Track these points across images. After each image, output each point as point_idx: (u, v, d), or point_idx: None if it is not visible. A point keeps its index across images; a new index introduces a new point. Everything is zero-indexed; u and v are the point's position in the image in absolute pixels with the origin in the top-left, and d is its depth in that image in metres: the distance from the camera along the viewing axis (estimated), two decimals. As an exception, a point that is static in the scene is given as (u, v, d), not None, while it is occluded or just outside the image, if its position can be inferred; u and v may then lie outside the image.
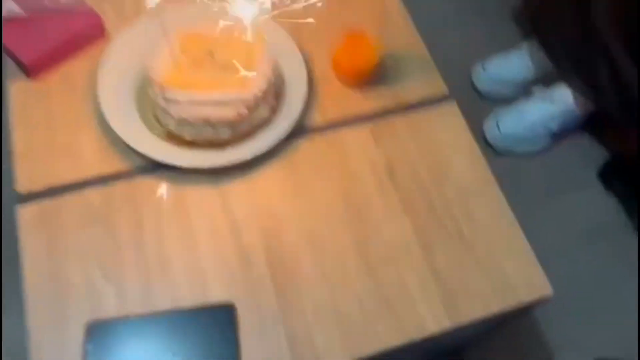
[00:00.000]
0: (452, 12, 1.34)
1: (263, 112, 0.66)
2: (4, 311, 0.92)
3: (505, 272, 0.64)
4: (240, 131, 0.65)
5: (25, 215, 0.63)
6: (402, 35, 0.80)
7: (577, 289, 1.04)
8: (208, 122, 0.63)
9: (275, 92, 0.69)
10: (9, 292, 0.76)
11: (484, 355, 0.96)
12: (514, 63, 1.17)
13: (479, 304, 0.62)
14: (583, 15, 0.94)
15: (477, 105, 1.22)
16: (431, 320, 0.61)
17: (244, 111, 0.63)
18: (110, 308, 0.59)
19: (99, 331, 0.57)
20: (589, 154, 1.17)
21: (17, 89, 0.70)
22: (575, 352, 0.98)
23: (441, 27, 1.28)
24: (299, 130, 0.71)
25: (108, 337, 0.57)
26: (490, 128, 1.14)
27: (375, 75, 0.75)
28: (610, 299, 1.03)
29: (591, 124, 1.16)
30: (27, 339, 0.56)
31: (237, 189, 0.67)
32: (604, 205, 1.12)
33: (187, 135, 0.64)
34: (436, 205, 0.67)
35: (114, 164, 0.67)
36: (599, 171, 1.14)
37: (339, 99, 0.74)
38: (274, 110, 0.69)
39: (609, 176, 1.12)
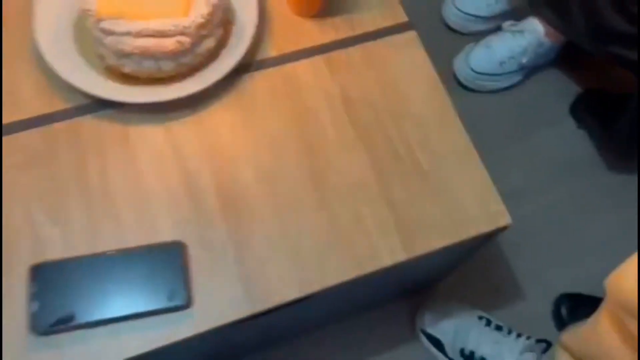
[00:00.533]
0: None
1: (208, 42, 0.63)
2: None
3: (463, 203, 0.63)
4: (185, 64, 0.62)
5: (-38, 159, 0.60)
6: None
7: (546, 224, 1.04)
8: (148, 54, 0.59)
9: (223, 21, 0.65)
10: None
11: (453, 289, 0.97)
12: (484, -4, 1.13)
13: (436, 236, 0.61)
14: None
15: (447, 41, 1.18)
16: (387, 253, 0.60)
17: (186, 41, 0.60)
18: (55, 251, 0.57)
19: (43, 272, 0.55)
20: (561, 89, 1.15)
21: (-54, 26, 0.66)
22: (542, 287, 0.99)
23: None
24: (250, 64, 0.67)
25: (53, 278, 0.55)
26: (460, 64, 1.11)
27: (330, 4, 0.71)
28: (579, 235, 1.03)
29: (562, 58, 1.13)
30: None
31: (185, 126, 0.64)
32: (575, 141, 1.11)
33: (128, 69, 0.61)
34: (393, 137, 0.65)
35: (54, 103, 0.63)
36: (571, 106, 1.12)
37: (292, 30, 0.70)
38: (222, 42, 0.65)
39: (581, 111, 1.11)
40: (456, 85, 1.13)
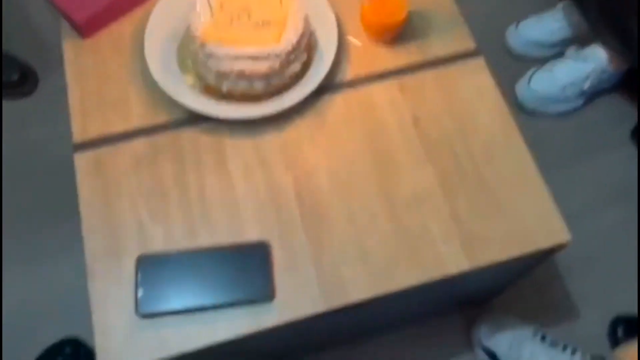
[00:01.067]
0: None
1: (295, 66, 0.70)
2: (62, 252, 1.02)
3: (525, 219, 0.67)
4: (274, 84, 0.70)
5: (81, 162, 0.69)
6: (431, -8, 0.82)
7: (604, 246, 1.06)
8: (243, 75, 0.67)
9: (307, 47, 0.72)
10: (68, 235, 0.83)
11: (509, 304, 1.00)
12: (548, 24, 1.17)
13: (498, 249, 0.66)
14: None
15: (510, 66, 1.22)
16: (451, 262, 0.65)
17: (277, 65, 0.67)
18: (157, 245, 0.65)
19: (147, 264, 0.63)
20: (622, 114, 1.17)
21: (72, 47, 0.77)
22: (598, 308, 1.00)
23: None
24: (329, 85, 0.75)
25: (156, 269, 0.63)
26: (522, 88, 1.15)
27: (403, 31, 0.77)
28: (636, 258, 1.04)
29: (625, 84, 1.15)
30: (86, 272, 0.64)
31: (270, 138, 0.71)
32: (635, 166, 1.12)
33: (225, 87, 0.69)
34: (460, 155, 0.71)
35: (159, 116, 0.72)
36: (631, 131, 1.14)
37: (368, 55, 0.77)
38: (306, 65, 0.73)
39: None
40: (519, 109, 1.17)
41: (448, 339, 0.99)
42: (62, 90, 0.74)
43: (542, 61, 1.17)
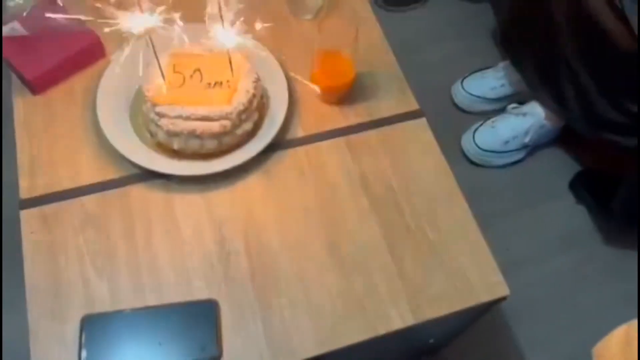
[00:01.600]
0: (434, 32, 1.42)
1: (247, 125, 0.72)
2: (5, 309, 0.98)
3: (467, 275, 0.70)
4: (225, 143, 0.72)
5: (27, 219, 0.69)
6: (378, 54, 0.86)
7: (548, 293, 1.10)
8: (194, 134, 0.69)
9: (259, 107, 0.75)
10: (12, 291, 0.81)
11: (460, 353, 1.02)
12: (490, 81, 1.24)
13: (442, 304, 0.68)
14: (549, 36, 1.01)
15: (456, 119, 1.28)
16: (397, 317, 0.66)
17: (228, 125, 0.69)
18: (104, 303, 0.65)
19: (93, 324, 0.63)
20: (561, 167, 1.24)
21: (22, 103, 0.77)
22: (544, 353, 1.04)
23: (424, 44, 1.36)
24: (280, 143, 0.77)
25: (101, 329, 0.62)
26: (467, 142, 1.21)
27: (351, 93, 0.81)
28: (579, 304, 1.09)
29: (563, 137, 1.23)
30: (29, 332, 0.62)
31: (221, 196, 0.73)
32: (574, 215, 1.19)
33: (176, 145, 0.70)
34: (405, 212, 0.73)
35: (109, 172, 0.73)
36: (570, 182, 1.20)
37: (317, 115, 0.80)
38: (258, 124, 0.75)
39: (579, 188, 1.19)
40: (464, 160, 1.22)
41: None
42: (9, 144, 0.74)
43: (486, 114, 1.24)
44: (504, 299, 0.70)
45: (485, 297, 0.69)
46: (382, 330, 0.66)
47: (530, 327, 1.06)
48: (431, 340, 0.92)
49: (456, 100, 1.29)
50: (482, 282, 0.70)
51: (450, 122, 1.26)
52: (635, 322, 0.61)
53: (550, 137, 1.21)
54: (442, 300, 0.68)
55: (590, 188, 1.17)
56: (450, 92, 1.31)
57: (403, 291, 0.68)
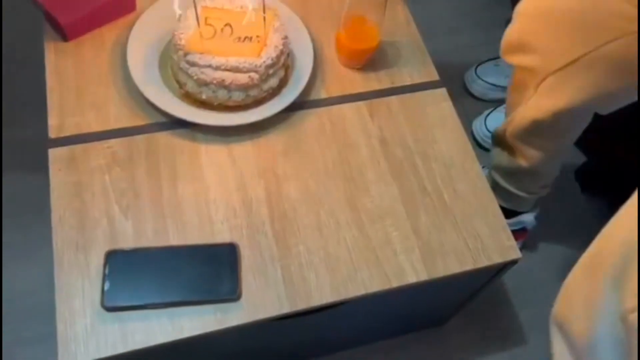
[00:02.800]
0: (449, 19, 1.44)
1: (273, 81, 0.74)
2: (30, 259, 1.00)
3: (480, 236, 0.72)
4: (252, 96, 0.73)
5: (55, 157, 0.70)
6: (402, 26, 0.89)
7: (552, 276, 1.12)
8: (223, 85, 0.71)
9: (285, 66, 0.77)
10: (38, 233, 0.83)
11: (463, 329, 1.03)
12: (505, 69, 1.26)
13: (454, 262, 0.70)
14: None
15: (469, 105, 1.31)
16: (411, 272, 0.68)
17: (256, 77, 0.71)
18: (127, 241, 0.66)
19: (116, 258, 0.64)
20: (571, 155, 1.26)
21: (54, 48, 0.79)
22: (546, 335, 1.05)
23: (438, 32, 1.39)
24: (304, 103, 0.79)
25: (124, 264, 0.64)
26: (478, 126, 1.23)
27: (374, 59, 0.83)
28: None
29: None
30: (54, 265, 0.64)
31: (244, 148, 0.74)
32: (580, 202, 1.21)
33: (204, 95, 0.72)
34: (421, 174, 0.75)
35: (137, 119, 0.75)
36: (576, 170, 1.22)
37: (341, 78, 0.82)
38: (283, 83, 0.77)
39: (586, 177, 1.21)
40: (474, 145, 1.24)
41: (412, 355, 1.02)
42: (32, 92, 0.75)
43: (498, 102, 1.26)
44: (514, 262, 0.72)
45: (497, 259, 0.71)
46: (395, 282, 0.67)
47: (533, 308, 1.08)
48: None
49: (469, 87, 1.31)
50: (495, 244, 0.71)
51: (462, 108, 1.28)
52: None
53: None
54: (454, 258, 0.70)
55: (597, 178, 1.19)
56: (463, 79, 1.33)
57: (417, 247, 0.70)
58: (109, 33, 0.81)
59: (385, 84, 0.83)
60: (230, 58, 0.71)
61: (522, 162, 0.91)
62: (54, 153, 0.71)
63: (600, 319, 0.54)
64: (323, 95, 0.81)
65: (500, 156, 0.96)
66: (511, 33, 0.81)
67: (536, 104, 0.81)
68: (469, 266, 0.70)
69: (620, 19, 0.69)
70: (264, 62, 0.71)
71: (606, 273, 0.53)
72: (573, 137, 0.89)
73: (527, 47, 0.79)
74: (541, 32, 0.77)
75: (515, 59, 0.82)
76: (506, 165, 0.95)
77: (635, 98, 0.77)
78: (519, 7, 0.79)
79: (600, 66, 0.72)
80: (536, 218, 1.06)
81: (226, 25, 0.73)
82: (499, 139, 0.94)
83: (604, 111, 0.78)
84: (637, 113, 1.02)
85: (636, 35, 0.68)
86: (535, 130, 0.84)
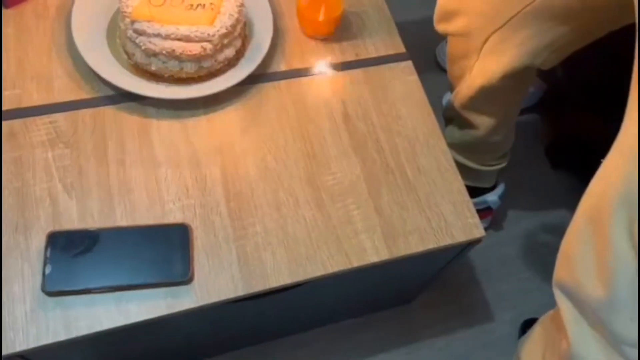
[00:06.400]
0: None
1: (228, 51, 0.70)
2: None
3: (443, 214, 0.70)
4: (205, 67, 0.69)
5: (-6, 133, 0.66)
6: (367, -4, 0.85)
7: (519, 253, 1.12)
8: (173, 55, 0.66)
9: (242, 36, 0.73)
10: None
11: (430, 306, 1.03)
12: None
13: (417, 240, 0.67)
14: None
15: (440, 80, 1.27)
16: (372, 251, 0.66)
17: (209, 47, 0.67)
18: (72, 222, 0.62)
19: (59, 240, 0.60)
20: (539, 132, 1.25)
21: (-9, 15, 0.73)
22: (511, 311, 1.05)
23: (410, 4, 1.34)
24: (263, 76, 0.75)
25: (67, 246, 0.60)
26: (447, 101, 1.20)
27: (337, 29, 0.79)
28: (549, 262, 1.10)
29: (543, 104, 1.23)
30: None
31: (198, 123, 0.71)
32: (549, 179, 1.20)
33: (154, 66, 0.68)
34: (385, 151, 0.73)
35: (82, 92, 0.70)
36: (546, 147, 1.21)
37: (302, 50, 0.78)
38: (239, 54, 0.73)
39: (554, 153, 1.20)
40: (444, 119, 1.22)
41: (378, 334, 1.01)
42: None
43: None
44: (478, 241, 0.70)
45: (460, 237, 0.69)
46: (356, 262, 0.65)
47: (499, 284, 1.08)
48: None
49: (441, 62, 1.28)
50: (459, 222, 0.69)
51: (433, 81, 1.24)
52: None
53: (531, 102, 1.22)
54: (418, 237, 0.68)
55: (565, 154, 1.18)
56: (434, 52, 1.30)
57: (379, 226, 0.67)
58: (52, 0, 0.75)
59: (349, 56, 0.79)
60: (181, 26, 0.66)
61: (475, 132, 0.90)
62: (-9, 128, 0.66)
63: (618, 272, 0.51)
64: (283, 67, 0.77)
65: (453, 131, 0.95)
66: (440, 3, 0.80)
67: (481, 70, 0.80)
68: (431, 245, 0.68)
69: None
70: (218, 30, 0.67)
71: (612, 224, 0.51)
72: (520, 98, 0.89)
73: (458, 13, 0.78)
74: None
75: (449, 27, 0.80)
76: (460, 139, 0.94)
77: (576, 47, 0.76)
78: None
79: (539, 18, 0.71)
80: (500, 197, 1.05)
81: (178, -9, 0.69)
82: (449, 114, 0.94)
83: (547, 65, 0.77)
84: (599, 79, 1.01)
85: None
86: (484, 97, 0.83)
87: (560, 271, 0.62)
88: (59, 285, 0.58)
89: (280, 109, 0.74)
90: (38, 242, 0.60)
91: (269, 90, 0.75)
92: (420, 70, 0.80)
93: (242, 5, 0.70)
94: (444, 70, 1.29)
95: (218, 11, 0.68)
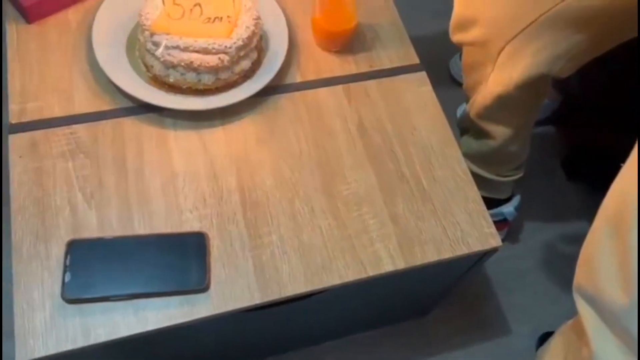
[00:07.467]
0: (434, 5, 1.41)
1: (245, 64, 0.71)
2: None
3: (459, 223, 0.69)
4: (222, 79, 0.70)
5: (16, 143, 0.67)
6: (381, 7, 0.86)
7: (536, 265, 1.11)
8: (191, 67, 0.68)
9: (258, 48, 0.74)
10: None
11: (446, 319, 1.02)
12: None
13: (433, 250, 0.67)
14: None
15: (454, 92, 1.28)
16: (388, 260, 0.66)
17: (226, 59, 0.68)
18: (91, 230, 0.63)
19: (78, 248, 0.61)
20: (555, 144, 1.24)
21: (16, 30, 0.75)
22: (529, 324, 1.04)
23: (423, 16, 1.36)
24: (278, 87, 0.76)
25: (86, 254, 0.61)
26: (463, 111, 1.20)
27: (351, 41, 0.80)
28: (566, 276, 1.08)
29: (558, 117, 1.23)
30: (12, 254, 0.61)
31: (215, 134, 0.71)
32: (565, 191, 1.19)
33: (172, 78, 0.69)
34: (400, 160, 0.73)
35: (102, 103, 0.71)
36: (562, 159, 1.21)
37: (317, 61, 0.79)
38: (256, 65, 0.74)
39: (570, 165, 1.19)
40: (458, 132, 1.22)
41: (393, 347, 1.00)
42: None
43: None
44: (495, 250, 0.70)
45: (476, 246, 0.68)
46: (371, 271, 0.65)
47: (516, 297, 1.07)
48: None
49: (454, 74, 1.29)
50: (475, 231, 0.69)
51: (446, 94, 1.24)
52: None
53: (545, 114, 1.21)
54: (434, 246, 0.67)
55: (581, 166, 1.17)
56: (448, 65, 1.31)
57: (394, 235, 0.67)
58: (74, 14, 0.77)
59: (363, 67, 0.80)
60: (199, 39, 0.67)
61: (491, 142, 0.90)
62: (14, 139, 0.68)
63: None
64: (298, 78, 0.78)
65: (468, 142, 0.95)
66: (455, 14, 0.81)
67: (497, 79, 0.80)
68: (447, 254, 0.67)
69: None
70: (235, 43, 0.68)
71: (633, 228, 0.50)
72: (536, 108, 0.89)
73: (474, 23, 0.78)
74: (484, 5, 0.76)
75: (465, 37, 0.81)
76: (476, 150, 0.94)
77: (592, 55, 0.76)
78: None
79: (556, 26, 0.71)
80: (516, 209, 1.04)
81: (195, 5, 0.70)
82: (465, 124, 0.94)
83: (563, 73, 0.77)
84: (616, 91, 1.01)
85: None
86: (500, 106, 0.83)
87: (580, 277, 0.61)
88: (78, 292, 0.59)
89: (295, 119, 0.74)
90: (58, 250, 0.61)
91: (285, 101, 0.76)
92: (434, 83, 0.81)
93: (258, 18, 0.72)
94: (457, 83, 1.29)
95: (235, 24, 0.69)
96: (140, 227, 0.64)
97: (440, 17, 1.39)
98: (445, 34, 1.34)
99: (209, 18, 0.70)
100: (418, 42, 0.86)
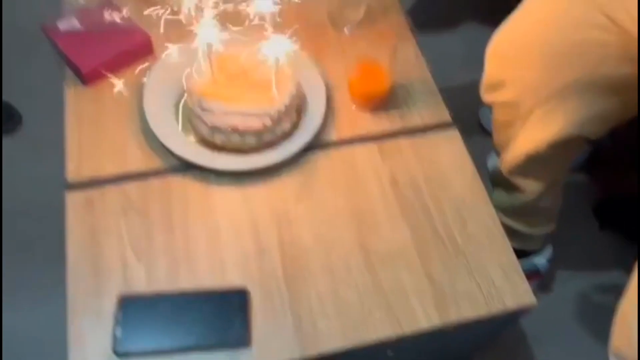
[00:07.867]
0: (464, 55, 1.45)
1: (285, 125, 0.76)
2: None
3: (494, 281, 0.71)
4: (265, 141, 0.75)
5: (73, 200, 0.72)
6: (413, 68, 0.90)
7: (569, 316, 1.10)
8: (236, 131, 0.72)
9: (297, 109, 0.78)
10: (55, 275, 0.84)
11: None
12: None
13: (467, 307, 0.69)
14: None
15: (484, 142, 1.30)
16: (423, 317, 0.68)
17: (269, 123, 0.72)
18: (140, 285, 0.67)
19: (128, 303, 0.65)
20: (586, 192, 1.24)
21: (73, 93, 0.81)
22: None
23: (451, 67, 1.39)
24: (316, 145, 0.80)
25: (136, 309, 0.65)
26: (493, 162, 1.22)
27: (386, 102, 0.84)
28: (601, 327, 1.08)
29: (588, 164, 1.24)
30: (67, 308, 0.64)
31: (257, 191, 0.75)
32: (597, 240, 1.19)
33: (218, 140, 0.74)
34: (433, 216, 0.75)
35: (152, 162, 0.76)
36: (594, 208, 1.21)
37: (353, 120, 0.83)
38: (296, 126, 0.78)
39: (602, 213, 1.19)
40: (490, 181, 1.24)
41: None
42: (46, 132, 0.77)
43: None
44: (530, 308, 0.71)
45: (511, 304, 0.69)
46: (407, 328, 0.67)
47: (549, 348, 1.06)
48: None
49: (484, 124, 1.31)
50: (509, 289, 0.70)
51: (476, 143, 1.27)
52: None
53: (576, 163, 1.22)
54: (468, 304, 0.69)
55: (614, 215, 1.17)
56: (478, 114, 1.33)
57: (429, 292, 0.69)
58: (127, 77, 0.83)
59: (397, 125, 0.83)
60: (243, 104, 0.72)
61: (523, 197, 0.91)
62: (71, 197, 0.72)
63: None
64: (334, 137, 0.81)
65: (500, 195, 0.96)
66: (487, 76, 0.84)
67: (527, 138, 0.82)
68: (482, 311, 0.69)
69: (599, 47, 0.70)
70: (277, 108, 0.73)
71: None
72: (568, 164, 0.90)
73: (505, 84, 0.81)
74: (515, 67, 0.78)
75: (496, 97, 0.83)
76: (508, 203, 0.95)
77: (624, 118, 0.77)
78: (489, 49, 0.80)
79: (587, 90, 0.73)
80: (549, 261, 1.04)
81: (240, 71, 0.75)
82: (496, 179, 0.95)
83: (595, 135, 0.78)
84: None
85: (620, 53, 0.68)
86: (531, 164, 0.85)
87: (618, 340, 0.61)
88: (129, 346, 0.62)
89: (331, 176, 0.78)
90: (109, 305, 0.65)
91: (321, 159, 0.79)
92: (464, 132, 0.83)
93: (298, 83, 0.76)
94: (487, 132, 1.32)
95: (277, 89, 0.74)
96: (186, 281, 0.68)
97: (469, 65, 1.43)
98: (475, 82, 1.37)
99: (253, 84, 0.74)
100: (448, 91, 0.88)
